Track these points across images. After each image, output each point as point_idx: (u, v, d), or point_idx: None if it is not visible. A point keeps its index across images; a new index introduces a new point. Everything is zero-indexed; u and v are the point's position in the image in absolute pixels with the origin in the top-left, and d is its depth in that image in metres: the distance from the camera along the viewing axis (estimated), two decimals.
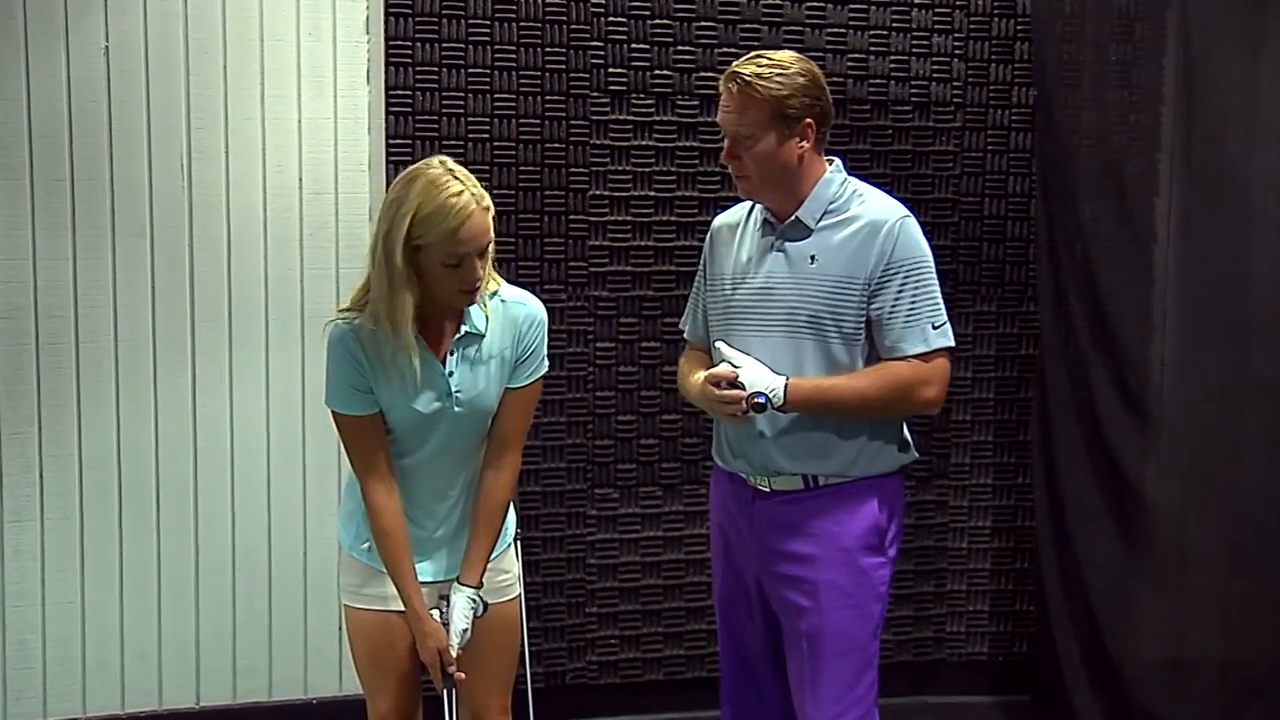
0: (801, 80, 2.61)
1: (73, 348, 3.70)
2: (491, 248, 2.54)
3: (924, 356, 2.63)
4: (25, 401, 3.68)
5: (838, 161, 2.73)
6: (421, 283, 2.51)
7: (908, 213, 2.68)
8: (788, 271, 2.66)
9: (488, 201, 2.51)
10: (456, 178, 2.48)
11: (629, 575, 4.08)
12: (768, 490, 2.69)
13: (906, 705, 4.12)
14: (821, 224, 2.65)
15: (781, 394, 2.57)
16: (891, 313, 2.61)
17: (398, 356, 2.54)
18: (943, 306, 2.66)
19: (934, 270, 2.67)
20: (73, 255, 3.68)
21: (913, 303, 2.62)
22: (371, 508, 2.62)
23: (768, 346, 2.65)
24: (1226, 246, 3.52)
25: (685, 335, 2.99)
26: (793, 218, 2.67)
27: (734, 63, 2.67)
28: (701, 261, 2.88)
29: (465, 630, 2.64)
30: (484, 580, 2.68)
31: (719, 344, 2.68)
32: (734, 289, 2.73)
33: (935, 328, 2.63)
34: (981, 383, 4.22)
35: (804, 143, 2.63)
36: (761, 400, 2.57)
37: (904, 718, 4.07)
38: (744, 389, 2.58)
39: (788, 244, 2.67)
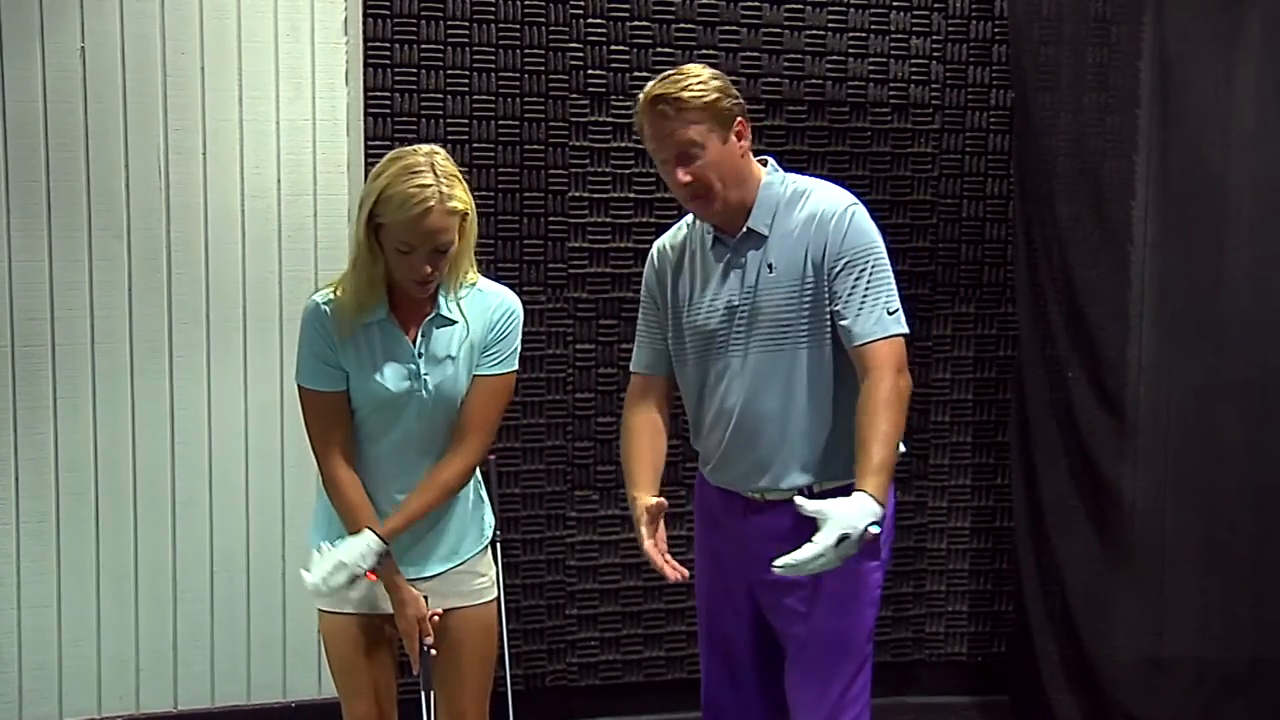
0: (717, 82, 2.57)
1: (49, 350, 3.68)
2: (458, 248, 2.53)
3: (885, 342, 2.54)
4: (1, 405, 3.65)
5: (771, 161, 2.70)
6: (386, 261, 2.53)
7: (855, 200, 2.62)
8: (751, 285, 2.61)
9: (456, 204, 2.48)
10: (434, 171, 2.47)
11: (609, 577, 4.08)
12: (760, 500, 2.66)
13: (886, 706, 4.10)
14: (774, 229, 2.62)
15: (879, 509, 2.39)
16: (847, 302, 2.55)
17: (367, 331, 2.55)
18: (897, 293, 2.59)
19: (886, 257, 2.60)
20: (49, 257, 3.66)
21: (867, 291, 2.55)
22: (335, 482, 2.59)
23: (753, 365, 2.61)
24: (1202, 248, 3.54)
25: (633, 369, 2.82)
26: (744, 229, 2.62)
27: (646, 93, 2.57)
28: (645, 287, 2.80)
29: (341, 565, 2.50)
30: (389, 539, 2.57)
31: (799, 500, 2.40)
32: (703, 314, 2.66)
33: (890, 313, 2.56)
34: (960, 384, 4.24)
35: (743, 141, 2.60)
36: (876, 530, 2.38)
37: (884, 718, 4.08)
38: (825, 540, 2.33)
39: (745, 257, 2.62)
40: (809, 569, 2.33)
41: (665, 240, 2.80)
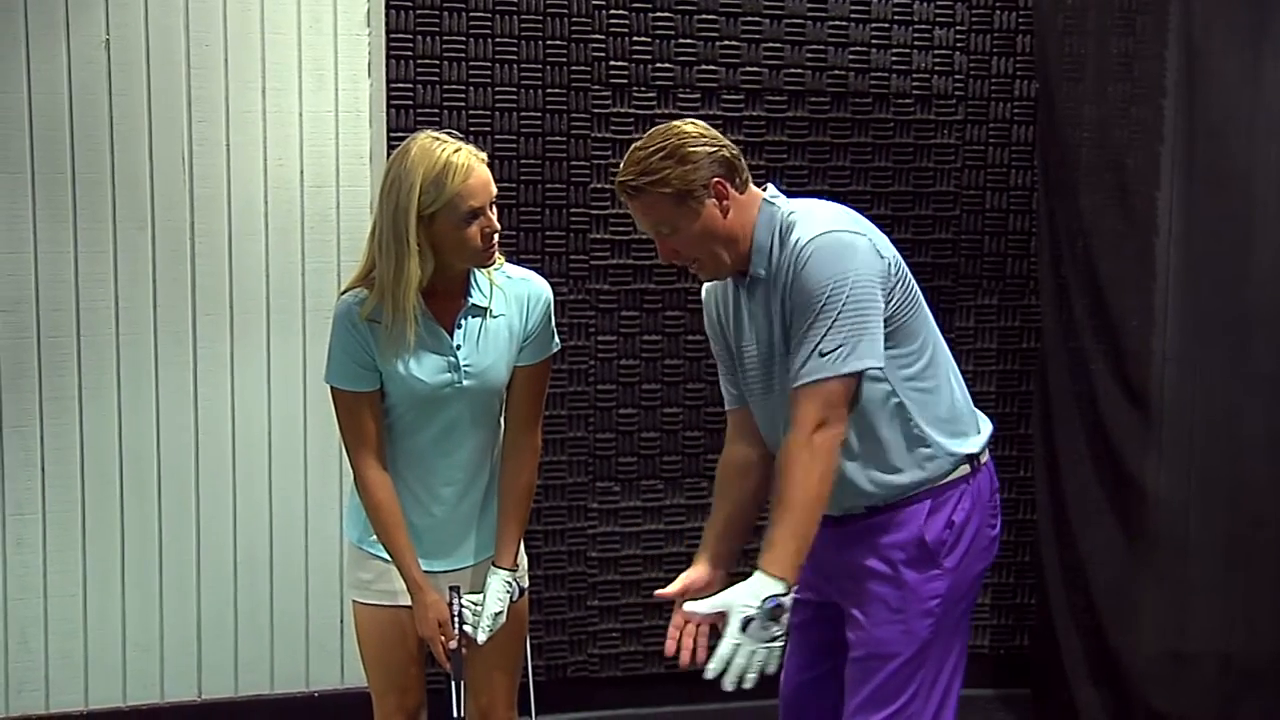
0: (687, 150, 2.43)
1: (74, 341, 3.70)
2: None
3: (808, 389, 2.38)
4: (27, 395, 3.68)
5: (769, 189, 2.56)
6: (437, 254, 2.52)
7: (827, 229, 2.42)
8: (766, 331, 2.53)
9: (483, 155, 2.56)
10: (445, 139, 2.53)
11: (630, 568, 4.09)
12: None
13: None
14: (771, 269, 2.49)
15: (776, 584, 2.31)
16: (795, 345, 2.42)
17: (405, 331, 2.54)
18: (844, 332, 2.37)
19: (845, 290, 2.37)
20: (74, 248, 3.68)
21: (808, 331, 2.39)
22: (364, 482, 2.61)
23: (779, 410, 2.53)
24: (1228, 239, 3.52)
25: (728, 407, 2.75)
26: (749, 276, 2.54)
27: (620, 168, 2.50)
28: (707, 324, 2.74)
29: (499, 614, 2.65)
30: (517, 563, 2.71)
31: (689, 606, 2.38)
32: (742, 357, 2.62)
33: (822, 355, 2.37)
34: (983, 376, 4.22)
35: (725, 201, 2.45)
36: (773, 605, 2.28)
37: None
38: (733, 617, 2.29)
39: (757, 301, 2.55)
40: (737, 662, 2.27)
41: (708, 284, 2.71)
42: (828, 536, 2.64)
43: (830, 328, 2.37)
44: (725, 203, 2.47)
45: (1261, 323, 3.47)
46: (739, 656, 2.27)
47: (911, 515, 2.55)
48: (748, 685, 2.28)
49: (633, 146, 2.50)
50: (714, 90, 3.95)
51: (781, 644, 2.33)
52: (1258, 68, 3.44)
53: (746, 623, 2.27)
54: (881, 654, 2.56)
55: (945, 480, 2.57)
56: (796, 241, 2.43)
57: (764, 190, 2.56)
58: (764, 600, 2.28)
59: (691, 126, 2.49)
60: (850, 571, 2.61)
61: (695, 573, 2.57)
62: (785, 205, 2.53)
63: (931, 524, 2.55)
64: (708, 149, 2.46)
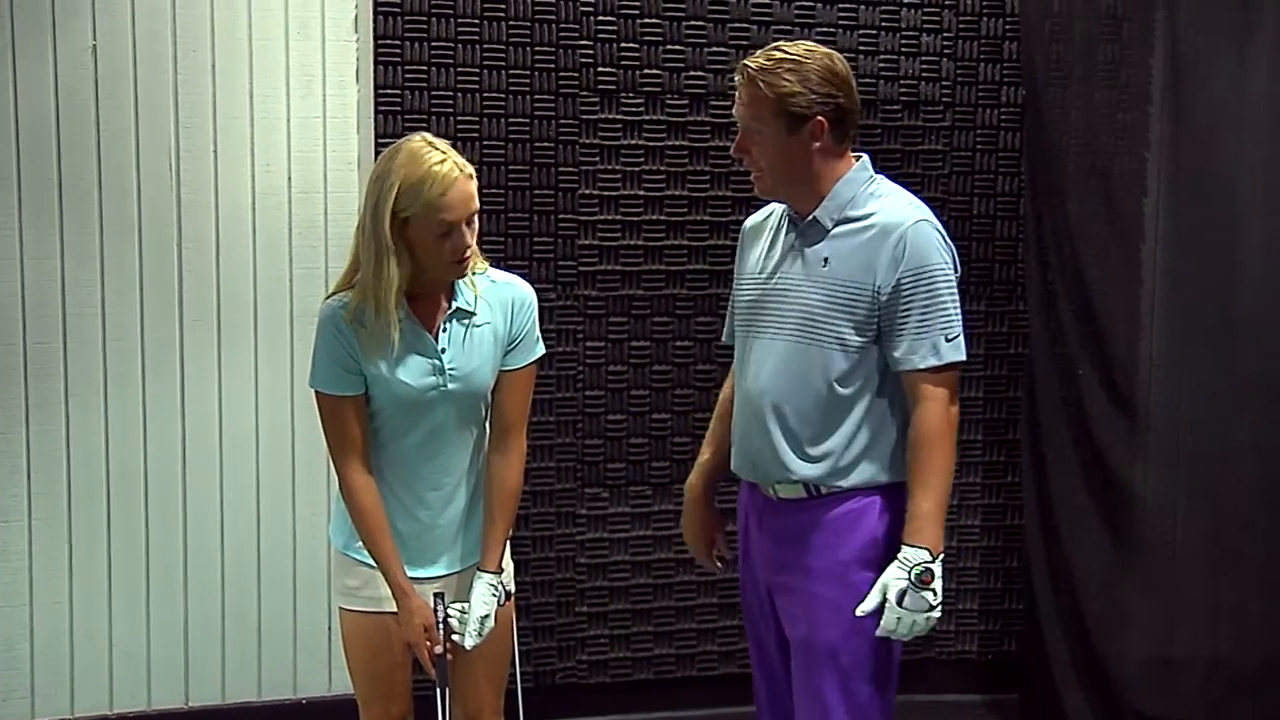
0: (815, 76, 2.51)
1: (60, 347, 3.68)
2: (478, 219, 2.56)
3: (935, 370, 2.52)
4: (13, 401, 3.66)
5: (865, 158, 2.64)
6: (412, 257, 2.52)
7: (925, 216, 2.57)
8: (803, 274, 2.58)
9: (470, 170, 2.54)
10: (437, 148, 2.52)
11: (619, 574, 4.08)
12: (775, 499, 2.66)
13: (895, 704, 4.11)
14: (838, 225, 2.57)
15: (921, 554, 2.49)
16: (902, 323, 2.51)
17: (388, 333, 2.54)
18: (957, 318, 2.54)
19: (950, 278, 2.54)
20: (60, 255, 3.67)
21: (924, 313, 2.51)
22: (349, 487, 2.61)
23: (776, 352, 2.59)
24: (1214, 246, 3.53)
25: (724, 339, 2.88)
26: (810, 217, 2.59)
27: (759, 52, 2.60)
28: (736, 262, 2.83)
29: (486, 617, 2.64)
30: (502, 566, 2.70)
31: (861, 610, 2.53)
32: (752, 288, 2.67)
33: (948, 340, 2.52)
34: (971, 382, 4.22)
35: (815, 142, 2.53)
36: (922, 571, 2.48)
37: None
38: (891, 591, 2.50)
39: (805, 245, 2.60)
40: (900, 632, 2.52)
41: (753, 218, 2.80)
42: (782, 526, 2.65)
43: (945, 314, 2.53)
44: (816, 144, 2.55)
45: (1247, 328, 3.48)
46: (900, 628, 2.50)
47: (866, 511, 2.59)
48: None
49: (781, 43, 2.59)
50: (702, 96, 3.96)
51: (938, 613, 2.53)
52: (1242, 74, 3.46)
53: (901, 596, 2.48)
54: (831, 657, 2.59)
55: (900, 480, 2.60)
56: (888, 221, 2.53)
57: (859, 159, 2.63)
58: (912, 569, 2.47)
59: (833, 62, 2.57)
60: (798, 568, 2.63)
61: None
62: (871, 177, 2.63)
63: (884, 523, 2.60)
64: (829, 89, 2.53)
